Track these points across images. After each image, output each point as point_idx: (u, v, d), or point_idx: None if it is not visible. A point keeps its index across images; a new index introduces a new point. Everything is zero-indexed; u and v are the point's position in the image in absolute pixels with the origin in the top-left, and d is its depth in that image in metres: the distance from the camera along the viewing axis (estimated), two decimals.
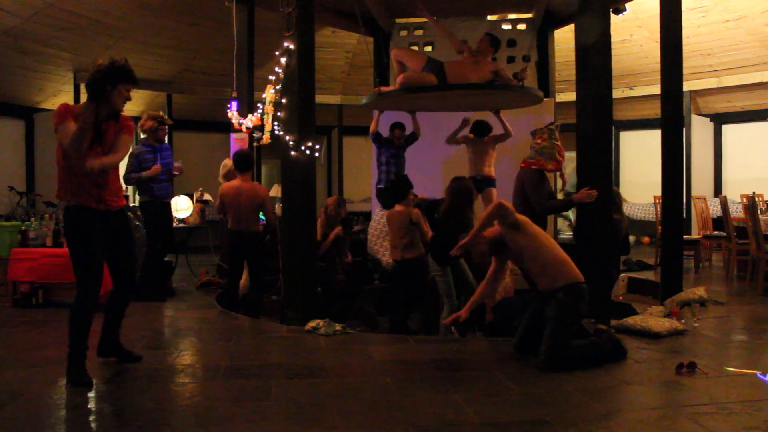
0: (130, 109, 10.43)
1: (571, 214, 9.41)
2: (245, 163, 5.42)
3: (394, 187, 5.63)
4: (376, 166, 6.80)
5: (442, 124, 6.73)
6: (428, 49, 7.68)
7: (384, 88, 5.74)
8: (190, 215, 6.86)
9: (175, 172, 5.90)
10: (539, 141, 4.89)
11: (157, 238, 5.72)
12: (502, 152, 6.66)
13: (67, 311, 3.29)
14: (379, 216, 6.60)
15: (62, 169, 3.34)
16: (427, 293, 5.44)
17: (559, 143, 4.89)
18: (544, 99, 6.59)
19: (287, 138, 4.87)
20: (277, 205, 5.96)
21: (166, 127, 5.92)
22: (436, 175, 7.17)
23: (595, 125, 4.48)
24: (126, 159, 5.65)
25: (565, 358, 3.51)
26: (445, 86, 5.29)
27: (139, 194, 5.82)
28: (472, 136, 6.43)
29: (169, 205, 6.01)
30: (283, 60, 4.93)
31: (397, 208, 5.41)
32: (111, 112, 3.34)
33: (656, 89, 6.13)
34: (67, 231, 3.37)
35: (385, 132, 6.68)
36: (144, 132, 5.86)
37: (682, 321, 4.47)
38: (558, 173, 5.63)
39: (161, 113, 6.15)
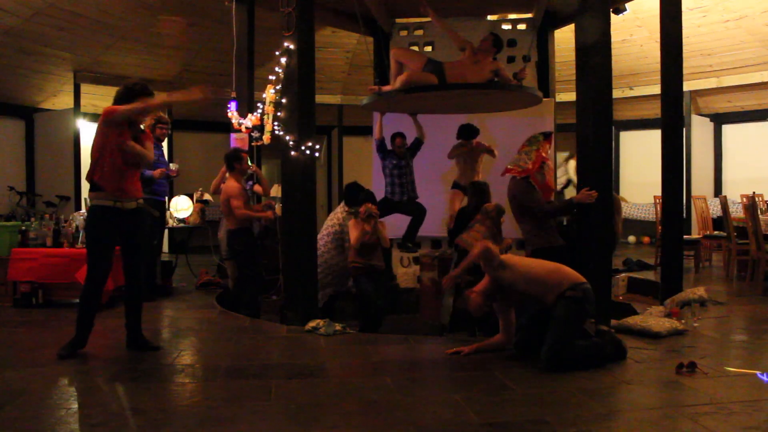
0: None
1: None
2: (226, 160, 5.58)
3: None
4: (383, 175, 6.71)
5: (443, 131, 6.71)
6: (428, 49, 7.66)
7: (383, 88, 5.72)
8: (190, 215, 6.85)
9: (173, 174, 5.90)
10: (522, 149, 4.93)
11: (155, 235, 5.75)
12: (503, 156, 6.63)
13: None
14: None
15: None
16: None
17: (539, 151, 4.85)
18: (545, 99, 6.56)
19: (287, 138, 4.87)
20: (277, 206, 5.93)
21: (167, 126, 5.86)
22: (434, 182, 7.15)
23: (595, 125, 4.48)
24: None
25: (566, 358, 3.50)
26: (445, 86, 5.27)
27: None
28: (464, 141, 6.42)
29: (164, 203, 6.07)
30: (283, 60, 4.93)
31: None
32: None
33: (656, 89, 6.13)
34: None
35: (388, 139, 6.63)
36: None
37: (682, 321, 4.47)
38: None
39: (160, 112, 6.10)
